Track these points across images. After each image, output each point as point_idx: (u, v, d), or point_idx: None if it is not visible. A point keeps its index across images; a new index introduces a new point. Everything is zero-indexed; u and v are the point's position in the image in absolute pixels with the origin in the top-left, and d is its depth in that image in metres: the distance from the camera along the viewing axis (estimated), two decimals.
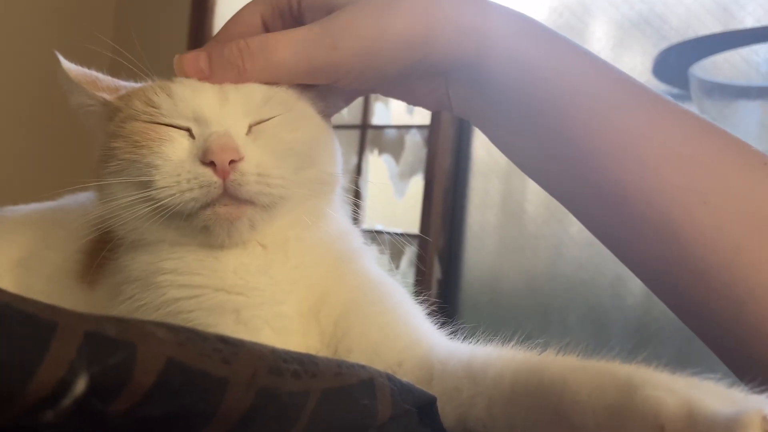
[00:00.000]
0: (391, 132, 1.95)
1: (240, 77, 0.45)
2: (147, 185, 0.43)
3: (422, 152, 1.88)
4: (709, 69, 1.40)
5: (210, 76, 0.46)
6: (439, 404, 0.35)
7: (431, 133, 1.84)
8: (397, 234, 1.69)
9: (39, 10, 2.28)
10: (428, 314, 0.49)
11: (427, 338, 0.44)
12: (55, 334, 0.22)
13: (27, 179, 1.91)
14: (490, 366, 0.38)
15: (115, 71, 0.51)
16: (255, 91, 0.46)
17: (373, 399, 0.28)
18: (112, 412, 0.23)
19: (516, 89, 0.43)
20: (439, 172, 1.82)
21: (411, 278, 1.72)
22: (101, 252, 0.48)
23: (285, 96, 0.48)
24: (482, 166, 1.82)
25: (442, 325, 0.47)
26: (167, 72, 0.50)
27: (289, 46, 0.43)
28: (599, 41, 1.65)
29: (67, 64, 0.49)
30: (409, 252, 1.77)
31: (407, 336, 0.44)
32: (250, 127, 0.46)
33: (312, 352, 0.45)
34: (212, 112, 0.45)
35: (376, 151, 1.96)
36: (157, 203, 0.43)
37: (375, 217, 1.81)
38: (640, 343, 1.54)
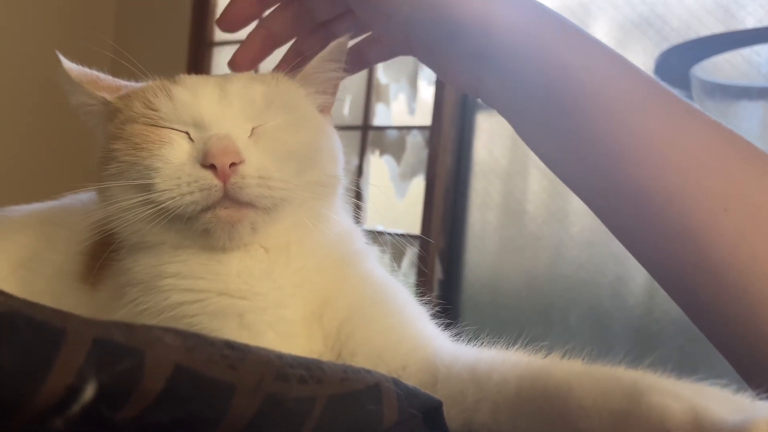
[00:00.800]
0: (392, 133, 1.95)
1: None
2: (147, 188, 0.43)
3: (423, 153, 1.88)
4: (710, 70, 1.40)
5: None
6: (444, 408, 0.35)
7: (432, 133, 1.84)
8: (398, 235, 1.70)
9: (40, 10, 2.28)
10: (431, 316, 0.49)
11: (431, 342, 0.44)
12: (64, 341, 0.22)
13: (29, 179, 1.91)
14: (494, 370, 0.38)
15: (115, 71, 0.51)
16: (257, 93, 0.46)
17: (379, 404, 0.28)
18: (120, 419, 0.23)
19: (540, 83, 0.43)
20: (440, 173, 1.82)
21: (412, 279, 1.72)
22: (103, 253, 0.48)
23: (287, 98, 0.48)
24: (483, 166, 1.82)
25: (446, 327, 0.47)
26: (167, 72, 0.50)
27: None
28: None
29: (68, 63, 0.49)
30: (411, 252, 1.77)
31: (412, 339, 0.44)
32: (253, 130, 0.46)
33: (316, 355, 0.45)
34: (213, 115, 0.45)
35: (377, 152, 1.97)
36: (157, 206, 0.43)
37: (376, 218, 1.82)
38: (641, 344, 1.54)
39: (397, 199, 1.91)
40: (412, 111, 1.95)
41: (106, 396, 0.22)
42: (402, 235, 1.76)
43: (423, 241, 1.83)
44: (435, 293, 1.76)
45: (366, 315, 0.45)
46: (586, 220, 1.63)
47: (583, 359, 0.38)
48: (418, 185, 1.89)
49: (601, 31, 1.64)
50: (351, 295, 0.47)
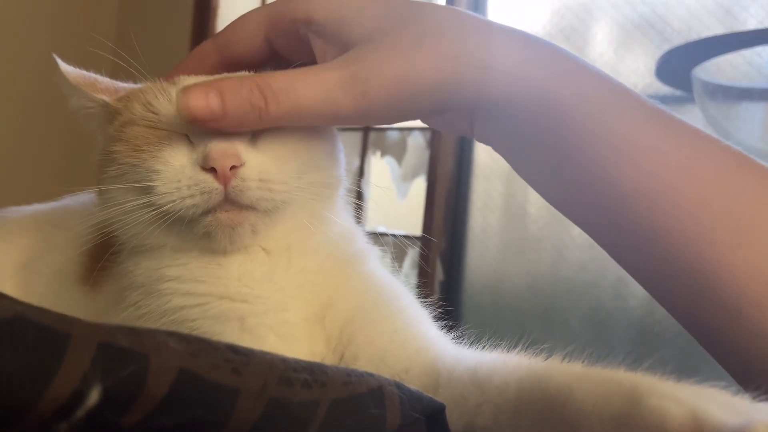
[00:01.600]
0: (394, 134, 1.95)
1: (261, 122, 0.41)
2: (147, 191, 0.43)
3: (425, 154, 1.88)
4: (711, 71, 1.40)
5: (223, 119, 0.40)
6: (446, 411, 0.35)
7: (433, 135, 1.84)
8: (399, 236, 1.70)
9: (42, 11, 2.28)
10: (433, 318, 0.49)
11: (433, 345, 0.44)
12: (69, 346, 0.22)
13: (29, 180, 1.91)
14: (495, 373, 0.38)
15: (116, 72, 0.51)
16: None
17: (381, 408, 0.28)
18: (125, 424, 0.23)
19: (545, 131, 0.41)
20: (442, 174, 1.82)
21: (413, 280, 1.72)
22: (103, 256, 0.48)
23: None
24: (484, 168, 1.82)
25: (449, 329, 0.47)
26: (167, 71, 0.50)
27: (316, 90, 0.40)
28: (601, 43, 1.65)
29: (65, 66, 0.49)
30: (412, 254, 1.78)
31: (414, 343, 0.44)
32: (253, 132, 0.46)
33: (318, 358, 0.45)
34: None
35: (378, 153, 1.97)
36: (157, 209, 0.43)
37: (377, 219, 1.82)
38: (643, 345, 1.54)
39: (398, 200, 1.91)
40: None
41: (110, 401, 0.22)
42: (403, 237, 1.76)
43: (424, 242, 1.83)
44: (436, 295, 1.76)
45: (369, 317, 0.45)
46: None
47: (584, 361, 0.38)
48: (419, 186, 1.89)
49: (602, 32, 1.64)
50: (353, 296, 0.47)
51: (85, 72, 0.50)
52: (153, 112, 0.45)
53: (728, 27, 1.48)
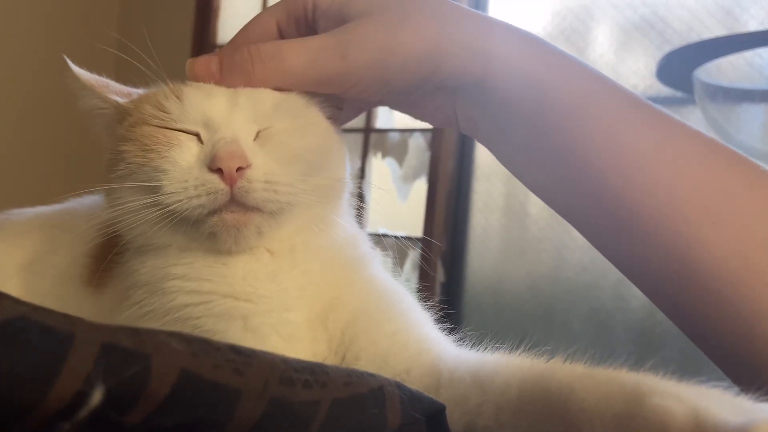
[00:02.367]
0: (395, 135, 1.96)
1: (249, 81, 0.45)
2: (155, 190, 0.44)
3: (425, 155, 1.88)
4: (712, 72, 1.40)
5: (220, 79, 0.46)
6: (447, 412, 0.35)
7: (434, 136, 1.84)
8: (400, 237, 1.70)
9: (44, 13, 2.29)
10: (435, 320, 0.49)
11: (435, 346, 0.44)
12: (72, 346, 0.22)
13: (33, 182, 1.92)
14: (497, 374, 0.38)
15: (119, 72, 0.52)
16: (265, 97, 0.46)
17: (382, 408, 0.28)
18: (127, 424, 0.23)
19: (522, 108, 0.43)
20: (443, 176, 1.82)
21: (414, 281, 1.72)
22: (108, 256, 0.48)
23: (294, 102, 0.48)
24: (485, 169, 1.82)
25: (450, 331, 0.48)
26: (170, 73, 0.50)
27: (300, 54, 0.44)
28: (602, 45, 1.65)
29: (77, 68, 0.49)
30: (413, 255, 1.78)
31: (416, 344, 0.44)
32: (258, 133, 0.46)
33: (319, 358, 0.45)
34: (221, 117, 0.45)
35: (379, 155, 1.97)
36: (164, 208, 0.43)
37: (378, 220, 1.82)
38: (644, 347, 1.54)
39: (399, 201, 1.91)
40: None
41: (113, 401, 0.22)
42: (404, 238, 1.76)
43: (425, 243, 1.83)
44: (437, 296, 1.76)
45: (371, 319, 0.46)
46: None
47: (585, 362, 0.38)
48: (420, 188, 1.89)
49: (603, 33, 1.64)
50: (356, 298, 0.47)
51: (96, 75, 0.50)
52: (164, 111, 0.45)
53: (729, 28, 1.48)
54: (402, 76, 0.43)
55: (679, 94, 1.48)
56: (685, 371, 0.35)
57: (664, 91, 1.50)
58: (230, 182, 0.42)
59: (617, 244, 0.44)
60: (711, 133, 0.43)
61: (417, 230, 1.83)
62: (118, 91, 0.50)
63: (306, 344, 0.45)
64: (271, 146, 0.45)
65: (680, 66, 1.33)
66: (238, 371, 0.25)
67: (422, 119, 0.50)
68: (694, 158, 0.41)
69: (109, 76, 0.52)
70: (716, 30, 1.49)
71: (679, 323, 0.44)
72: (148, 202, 0.43)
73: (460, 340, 0.46)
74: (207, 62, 0.46)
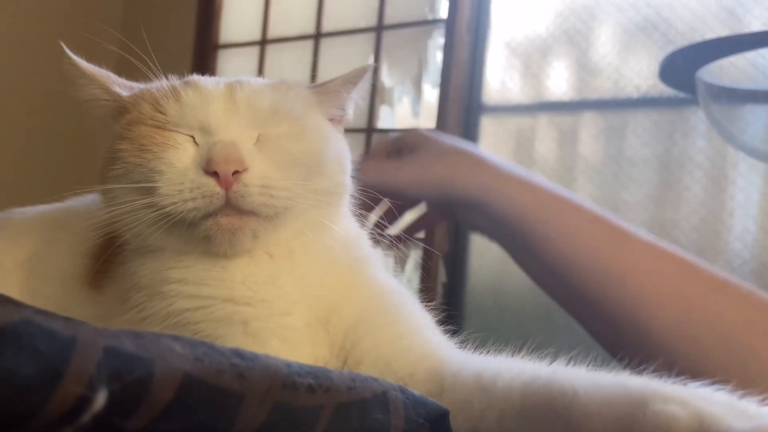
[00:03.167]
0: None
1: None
2: (150, 191, 0.43)
3: None
4: (715, 73, 1.39)
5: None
6: (450, 416, 0.35)
7: None
8: (402, 238, 1.69)
9: (47, 13, 2.29)
10: (437, 322, 0.49)
11: (438, 350, 0.44)
12: (75, 350, 0.22)
13: (33, 181, 1.92)
14: (500, 378, 0.38)
15: (121, 72, 0.51)
16: (264, 100, 0.46)
17: (386, 413, 0.28)
18: (130, 428, 0.23)
19: (510, 226, 0.63)
20: None
21: (416, 282, 1.72)
22: (105, 256, 0.48)
23: (293, 106, 0.48)
24: None
25: (452, 334, 0.47)
26: (172, 72, 0.50)
27: (377, 169, 0.67)
28: (605, 46, 1.64)
29: (74, 56, 0.49)
30: (414, 256, 1.77)
31: (419, 348, 0.44)
32: (259, 136, 0.45)
33: (321, 362, 0.45)
34: (219, 121, 0.45)
35: None
36: (159, 210, 0.43)
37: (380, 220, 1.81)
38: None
39: None
40: (416, 114, 1.95)
41: (116, 405, 0.22)
42: (406, 238, 1.75)
43: (427, 244, 1.83)
44: (438, 297, 1.75)
45: (373, 323, 0.45)
46: None
47: (588, 365, 0.38)
48: None
49: (606, 34, 1.64)
50: (357, 302, 0.47)
51: (98, 67, 0.50)
52: (161, 112, 0.45)
53: (732, 29, 1.48)
54: (429, 190, 0.67)
55: (681, 94, 1.47)
56: (688, 373, 0.35)
57: (667, 91, 1.49)
58: (226, 186, 0.42)
59: (591, 322, 0.63)
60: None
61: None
62: (119, 84, 0.49)
63: (307, 348, 0.45)
64: (270, 150, 0.45)
65: (683, 67, 1.32)
66: (241, 376, 0.25)
67: (462, 224, 0.74)
68: (650, 264, 0.58)
69: (110, 72, 0.51)
70: (719, 30, 1.49)
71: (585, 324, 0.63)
72: (144, 203, 0.43)
73: (462, 343, 0.46)
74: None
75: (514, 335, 0.44)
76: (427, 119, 1.91)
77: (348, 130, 0.55)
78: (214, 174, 0.42)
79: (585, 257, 0.59)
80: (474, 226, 0.69)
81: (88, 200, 0.57)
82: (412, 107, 1.96)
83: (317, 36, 2.07)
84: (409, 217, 0.75)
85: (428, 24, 1.89)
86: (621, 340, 0.58)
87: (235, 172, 0.42)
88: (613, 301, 0.58)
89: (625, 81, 1.59)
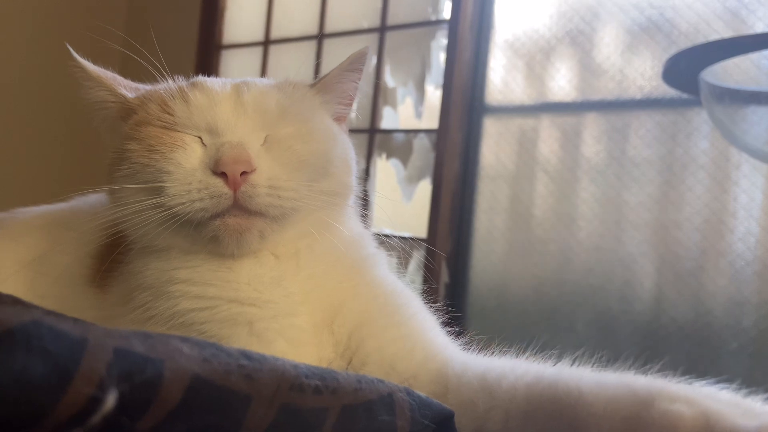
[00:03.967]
0: (399, 136, 1.96)
1: None
2: (158, 192, 0.44)
3: (430, 156, 1.88)
4: (719, 74, 1.39)
5: None
6: (455, 417, 0.35)
7: (439, 137, 1.84)
8: (405, 238, 1.69)
9: (50, 14, 2.30)
10: (441, 323, 0.49)
11: (442, 351, 0.44)
12: (86, 351, 0.22)
13: (38, 181, 1.92)
14: (504, 378, 0.38)
15: (125, 73, 0.52)
16: (272, 101, 0.46)
17: (391, 414, 0.28)
18: (139, 429, 0.23)
19: None
20: (447, 177, 1.82)
21: (419, 282, 1.72)
22: (111, 256, 0.48)
23: (301, 107, 0.48)
24: (490, 170, 1.82)
25: (456, 335, 0.47)
26: (177, 72, 0.50)
27: None
28: (608, 47, 1.64)
29: (80, 58, 0.49)
30: (417, 256, 1.77)
31: (423, 349, 0.44)
32: (266, 138, 0.46)
33: (325, 363, 0.45)
34: (227, 122, 0.45)
35: (384, 155, 1.97)
36: (167, 210, 0.43)
37: (383, 221, 1.81)
38: (649, 349, 1.54)
39: (403, 202, 1.91)
40: (419, 114, 1.95)
41: (126, 407, 0.22)
42: (409, 239, 1.76)
43: (429, 244, 1.83)
44: (441, 297, 1.76)
45: (378, 324, 0.46)
46: (593, 224, 1.62)
47: (592, 365, 0.38)
48: (424, 189, 1.88)
49: (610, 35, 1.64)
50: (362, 302, 0.47)
51: (104, 69, 0.50)
52: (169, 113, 0.45)
53: (736, 30, 1.48)
54: None
55: (685, 95, 1.47)
56: (691, 373, 0.35)
57: (670, 92, 1.49)
58: (234, 186, 0.42)
59: None
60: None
61: (421, 231, 1.83)
62: (125, 85, 0.50)
63: (312, 348, 0.45)
64: (277, 151, 0.45)
65: (687, 68, 1.32)
66: (249, 377, 0.25)
67: None
68: None
69: (115, 73, 0.51)
70: (723, 32, 1.48)
71: None
72: (152, 204, 0.43)
73: (467, 344, 0.46)
74: None
75: (518, 336, 0.44)
76: (430, 120, 1.91)
77: (351, 131, 0.55)
78: (222, 175, 0.42)
79: None
80: None
81: (92, 200, 0.58)
82: (415, 108, 1.96)
83: (320, 36, 2.08)
84: None
85: (431, 25, 1.89)
86: None
87: (243, 173, 0.43)
88: None
89: (628, 82, 1.58)
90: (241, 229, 0.43)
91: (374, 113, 1.98)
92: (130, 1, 2.51)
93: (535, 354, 0.41)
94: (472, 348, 0.46)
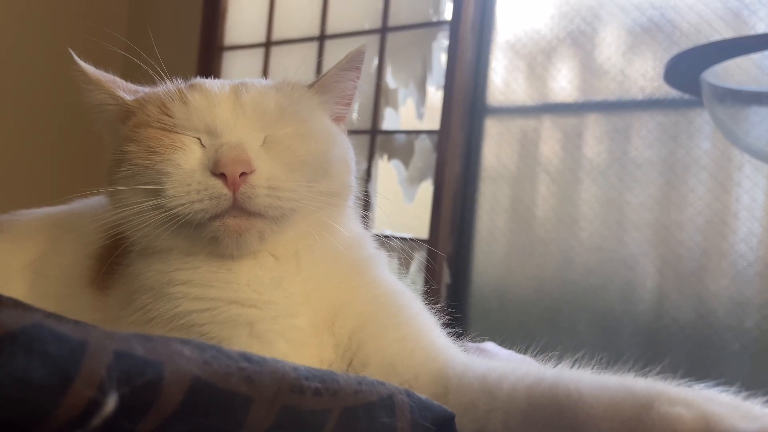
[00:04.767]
0: (401, 137, 1.96)
1: None
2: (157, 193, 0.44)
3: (431, 157, 1.88)
4: (720, 75, 1.39)
5: None
6: (456, 419, 0.35)
7: (441, 138, 1.84)
8: (406, 239, 1.69)
9: (53, 16, 2.30)
10: (442, 324, 0.49)
11: (443, 352, 0.44)
12: (86, 354, 0.22)
13: (39, 183, 1.93)
14: (505, 380, 0.38)
15: (126, 75, 0.52)
16: (270, 102, 0.46)
17: (392, 416, 0.28)
18: (140, 431, 0.23)
19: None
20: (449, 178, 1.82)
21: (420, 283, 1.72)
22: (111, 258, 0.48)
23: (300, 107, 0.48)
24: (491, 171, 1.82)
25: (457, 337, 0.47)
26: (178, 75, 0.50)
27: None
28: (609, 47, 1.64)
29: (81, 62, 0.49)
30: (419, 257, 1.77)
31: (424, 350, 0.44)
32: (265, 138, 0.46)
33: (326, 364, 0.45)
34: (226, 123, 0.45)
35: (385, 157, 1.97)
36: (167, 211, 0.43)
37: (384, 222, 1.81)
38: (651, 349, 1.53)
39: (405, 203, 1.91)
40: (420, 115, 1.95)
41: (126, 409, 0.22)
42: (410, 240, 1.76)
43: (431, 245, 1.83)
44: (443, 297, 1.76)
45: (378, 325, 0.46)
46: (595, 225, 1.62)
47: (593, 367, 0.38)
48: (426, 189, 1.88)
49: (611, 36, 1.64)
50: (362, 303, 0.47)
51: (104, 72, 0.50)
52: (167, 115, 0.45)
53: (737, 31, 1.48)
54: None
55: (686, 96, 1.47)
56: (693, 374, 0.35)
57: (672, 93, 1.49)
58: (233, 187, 0.42)
59: None
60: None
61: (423, 232, 1.83)
62: (124, 88, 0.50)
63: (312, 349, 0.45)
64: (276, 152, 0.45)
65: (688, 68, 1.32)
66: (249, 379, 0.25)
67: None
68: None
69: (116, 76, 0.52)
70: (724, 32, 1.48)
71: None
72: (151, 205, 0.44)
73: (467, 346, 0.46)
74: None
75: (519, 337, 0.44)
76: (431, 121, 1.91)
77: (352, 132, 0.55)
78: (222, 176, 0.43)
79: None
80: None
81: (93, 202, 0.58)
82: (416, 109, 1.96)
83: (322, 38, 2.08)
84: None
85: (432, 26, 1.89)
86: None
87: (242, 174, 0.43)
88: None
89: (629, 83, 1.58)
90: (240, 229, 0.44)
91: (375, 114, 1.98)
92: (132, 3, 2.52)
93: (536, 355, 0.41)
94: (473, 349, 0.46)
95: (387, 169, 1.98)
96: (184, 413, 0.23)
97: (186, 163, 0.44)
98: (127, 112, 0.48)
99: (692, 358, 1.44)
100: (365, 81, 0.59)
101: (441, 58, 1.89)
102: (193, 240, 0.45)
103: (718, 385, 0.33)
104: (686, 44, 1.50)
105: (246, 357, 0.26)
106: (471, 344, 0.45)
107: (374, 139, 1.97)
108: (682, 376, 0.35)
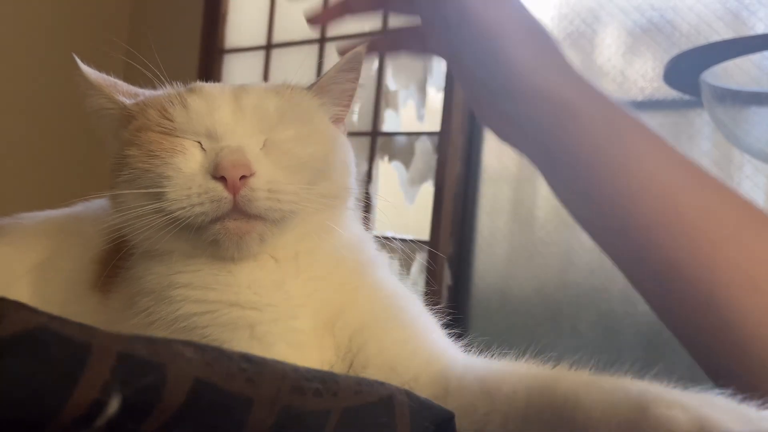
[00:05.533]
0: (401, 139, 1.96)
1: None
2: (158, 197, 0.44)
3: (432, 159, 1.89)
4: (720, 75, 1.39)
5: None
6: (455, 420, 0.35)
7: (441, 139, 1.84)
8: (407, 240, 1.70)
9: (54, 18, 2.31)
10: (442, 325, 0.49)
11: (443, 353, 0.45)
12: (90, 356, 0.23)
13: (42, 186, 1.93)
14: (504, 382, 0.38)
15: (128, 78, 0.52)
16: (270, 105, 0.47)
17: (391, 417, 0.29)
18: None
19: (581, 158, 0.45)
20: (450, 179, 1.83)
21: (421, 285, 1.72)
22: (113, 261, 0.49)
23: (300, 110, 0.48)
24: (492, 172, 1.82)
25: (458, 338, 0.48)
26: (178, 79, 0.50)
27: None
28: (609, 48, 1.64)
29: (85, 67, 0.50)
30: (420, 258, 1.78)
31: (424, 352, 0.44)
32: (265, 141, 0.46)
33: (327, 366, 0.45)
34: (226, 126, 0.45)
35: (386, 158, 1.97)
36: (168, 215, 0.43)
37: (385, 223, 1.81)
38: (652, 351, 1.53)
39: (406, 204, 1.92)
40: (420, 117, 1.95)
41: (129, 410, 0.23)
42: (411, 241, 1.76)
43: (432, 246, 1.83)
44: (444, 299, 1.76)
45: (379, 326, 0.46)
46: None
47: (592, 368, 0.38)
48: (427, 191, 1.89)
49: (611, 37, 1.64)
50: (363, 305, 0.47)
51: (104, 75, 0.51)
52: (168, 119, 0.46)
53: (737, 31, 1.48)
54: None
55: (686, 97, 1.47)
56: (692, 376, 0.35)
57: (672, 94, 1.50)
58: (233, 190, 0.43)
59: (656, 291, 0.47)
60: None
61: (424, 234, 1.84)
62: (125, 92, 0.50)
63: (313, 351, 0.45)
64: (276, 154, 0.46)
65: (688, 69, 1.32)
66: (250, 380, 0.25)
67: (475, 109, 0.53)
68: (742, 222, 0.43)
69: (118, 79, 0.52)
70: (724, 33, 1.49)
71: (707, 368, 0.46)
72: (152, 208, 0.44)
73: (468, 346, 0.46)
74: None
75: (520, 338, 0.44)
76: (431, 123, 1.91)
77: (352, 134, 0.55)
78: (222, 179, 0.43)
79: (666, 208, 0.42)
80: (506, 131, 0.50)
81: (95, 205, 0.58)
82: (416, 111, 1.97)
83: (322, 40, 2.08)
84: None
85: None
86: (694, 321, 0.44)
87: (243, 177, 0.43)
88: (694, 270, 0.42)
89: (629, 83, 1.59)
90: (240, 232, 0.44)
91: (376, 116, 1.98)
92: (133, 6, 2.52)
93: (536, 356, 0.42)
94: (473, 350, 0.46)
95: (388, 171, 1.99)
96: (186, 414, 0.24)
97: (186, 167, 0.44)
98: (127, 116, 0.48)
99: (692, 359, 1.44)
100: (365, 83, 0.59)
101: (441, 60, 1.89)
102: (194, 243, 0.45)
103: (716, 388, 0.34)
104: (686, 45, 1.50)
105: (247, 358, 0.27)
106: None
107: (375, 141, 1.98)
108: (682, 378, 0.35)
